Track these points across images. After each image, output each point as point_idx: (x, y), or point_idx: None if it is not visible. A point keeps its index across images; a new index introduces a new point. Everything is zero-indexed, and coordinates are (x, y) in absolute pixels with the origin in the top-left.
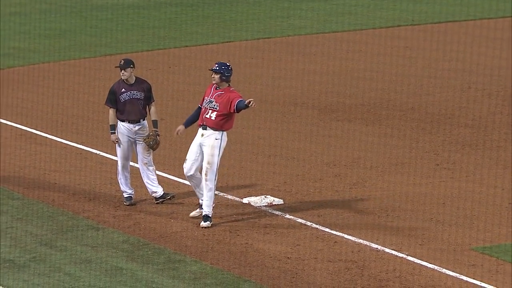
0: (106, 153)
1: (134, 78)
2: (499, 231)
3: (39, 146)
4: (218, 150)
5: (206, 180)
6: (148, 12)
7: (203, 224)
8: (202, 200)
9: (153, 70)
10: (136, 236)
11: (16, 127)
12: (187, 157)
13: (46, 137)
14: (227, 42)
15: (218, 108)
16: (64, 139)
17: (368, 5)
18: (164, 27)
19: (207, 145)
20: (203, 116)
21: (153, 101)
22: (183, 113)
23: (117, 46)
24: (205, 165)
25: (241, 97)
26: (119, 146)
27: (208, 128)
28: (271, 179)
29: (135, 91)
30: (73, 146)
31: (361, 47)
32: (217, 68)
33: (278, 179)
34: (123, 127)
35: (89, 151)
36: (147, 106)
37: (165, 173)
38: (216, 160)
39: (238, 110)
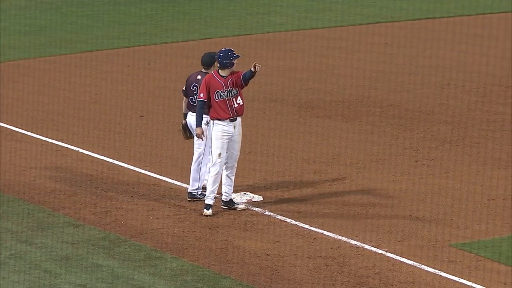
0: (85, 150)
1: None
2: (477, 227)
3: (17, 143)
4: None
5: (235, 167)
6: (127, 8)
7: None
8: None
9: (132, 67)
10: (115, 233)
11: None
12: (221, 154)
13: (25, 133)
14: (207, 38)
15: (238, 91)
16: (42, 136)
17: (347, 1)
18: (143, 24)
19: (239, 134)
20: (231, 108)
21: None
22: (163, 110)
23: (96, 43)
24: (237, 153)
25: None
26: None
27: (238, 117)
28: (250, 176)
29: None
30: (52, 143)
31: (341, 44)
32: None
33: (258, 176)
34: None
35: (68, 148)
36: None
37: (145, 170)
38: None
39: (246, 81)
